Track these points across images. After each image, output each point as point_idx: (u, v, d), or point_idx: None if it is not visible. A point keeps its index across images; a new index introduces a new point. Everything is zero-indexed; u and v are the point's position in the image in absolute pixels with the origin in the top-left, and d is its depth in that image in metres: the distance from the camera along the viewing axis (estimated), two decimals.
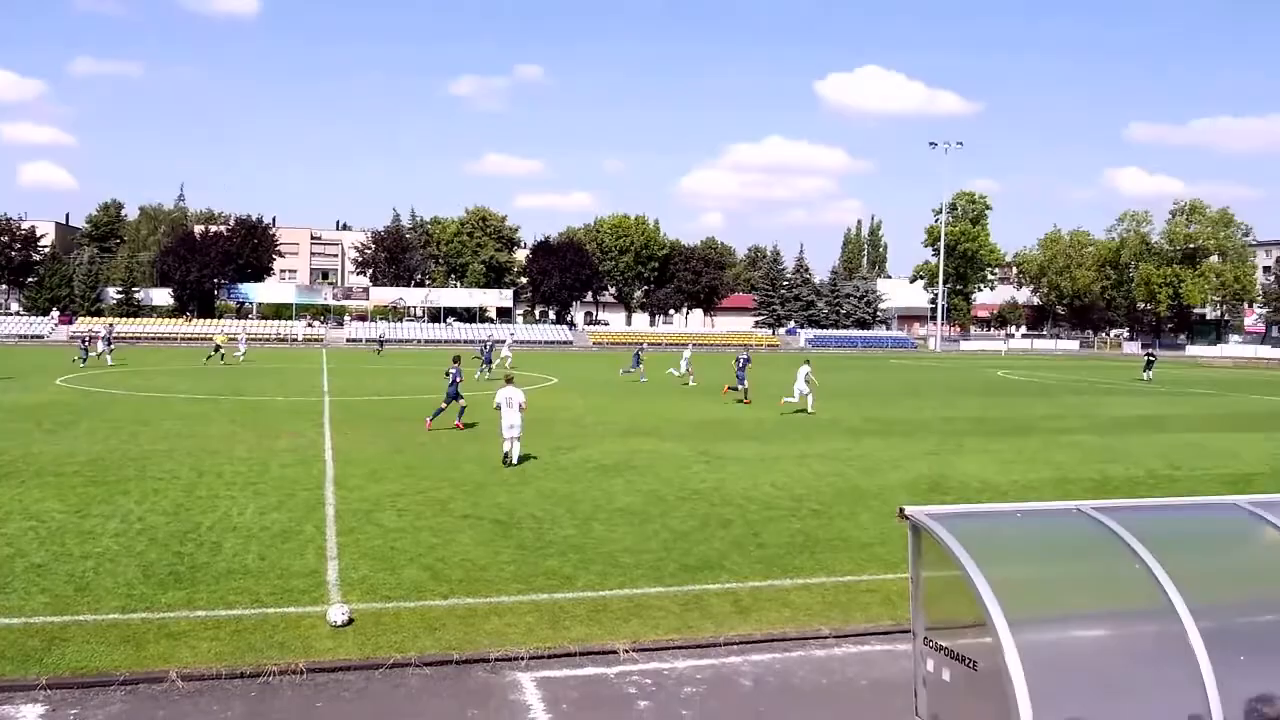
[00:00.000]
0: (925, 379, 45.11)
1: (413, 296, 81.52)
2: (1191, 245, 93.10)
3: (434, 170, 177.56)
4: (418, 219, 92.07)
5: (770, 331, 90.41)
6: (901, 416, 26.64)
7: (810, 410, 26.10)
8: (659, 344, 71.04)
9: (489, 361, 37.40)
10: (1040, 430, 24.19)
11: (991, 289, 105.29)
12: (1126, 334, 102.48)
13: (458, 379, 21.34)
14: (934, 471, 17.41)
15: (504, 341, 46.62)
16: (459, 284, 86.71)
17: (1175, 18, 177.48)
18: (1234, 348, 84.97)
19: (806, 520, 13.05)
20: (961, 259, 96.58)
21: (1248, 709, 4.66)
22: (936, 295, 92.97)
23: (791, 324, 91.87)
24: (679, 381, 36.41)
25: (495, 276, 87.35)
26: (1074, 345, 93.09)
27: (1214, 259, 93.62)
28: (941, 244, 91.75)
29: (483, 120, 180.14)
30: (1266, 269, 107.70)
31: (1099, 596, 5.18)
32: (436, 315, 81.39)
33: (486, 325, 79.28)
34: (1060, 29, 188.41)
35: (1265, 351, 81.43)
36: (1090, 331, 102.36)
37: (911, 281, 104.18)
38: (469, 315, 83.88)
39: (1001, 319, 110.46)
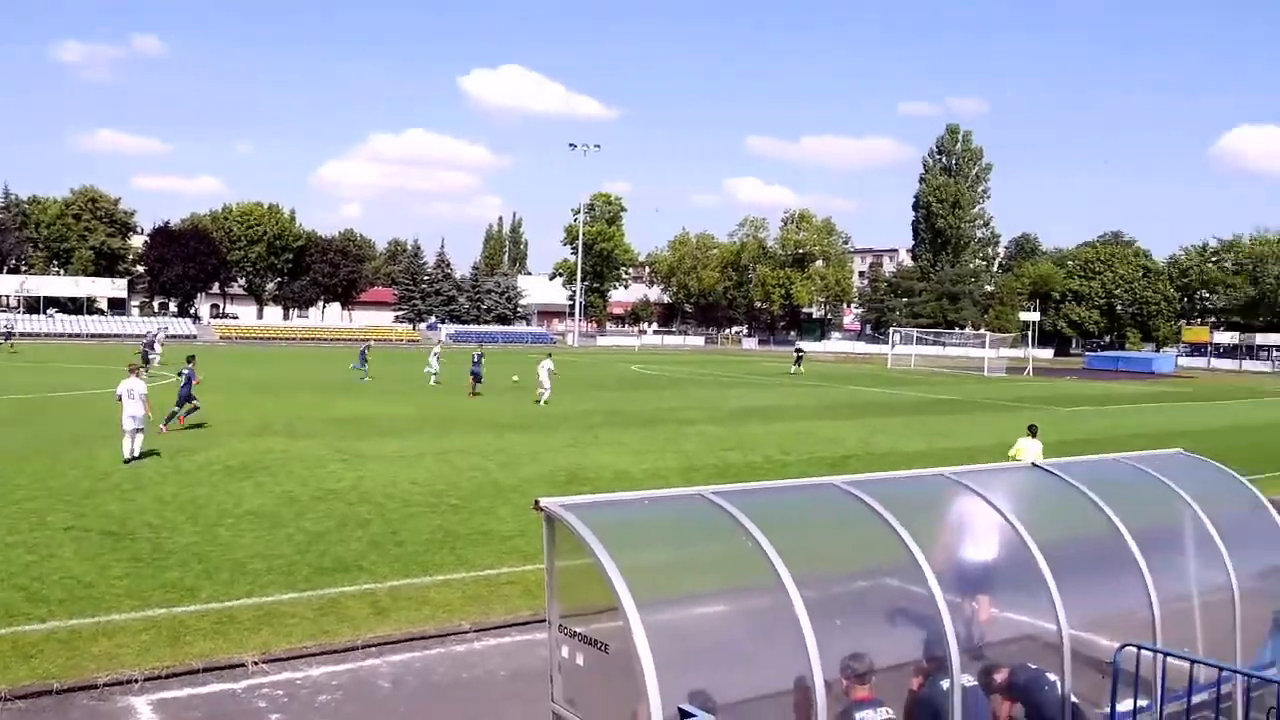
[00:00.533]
0: (564, 374, 46.94)
1: (6, 284, 74.66)
2: (801, 251, 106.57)
3: (33, 145, 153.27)
4: (12, 197, 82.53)
5: (411, 326, 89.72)
6: (541, 410, 27.34)
7: (544, 403, 27.71)
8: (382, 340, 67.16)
9: (148, 360, 35.81)
10: (670, 421, 26.10)
11: (626, 287, 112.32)
12: (745, 331, 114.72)
13: (193, 379, 20.86)
14: (572, 463, 17.99)
15: (156, 335, 45.06)
16: (62, 271, 79.22)
17: (789, 45, 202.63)
18: (835, 343, 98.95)
19: (447, 516, 13.03)
20: (599, 258, 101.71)
21: (842, 666, 5.29)
22: (575, 292, 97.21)
23: (433, 319, 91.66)
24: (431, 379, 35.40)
25: (107, 264, 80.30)
26: (700, 341, 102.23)
27: (819, 264, 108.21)
28: (580, 243, 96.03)
29: (92, 91, 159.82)
30: (861, 273, 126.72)
31: (719, 575, 5.64)
32: (35, 305, 74.19)
33: (96, 317, 73.91)
34: (693, 44, 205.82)
35: (861, 347, 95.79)
36: (714, 328, 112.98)
37: (551, 278, 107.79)
38: (75, 306, 76.75)
39: (635, 316, 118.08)
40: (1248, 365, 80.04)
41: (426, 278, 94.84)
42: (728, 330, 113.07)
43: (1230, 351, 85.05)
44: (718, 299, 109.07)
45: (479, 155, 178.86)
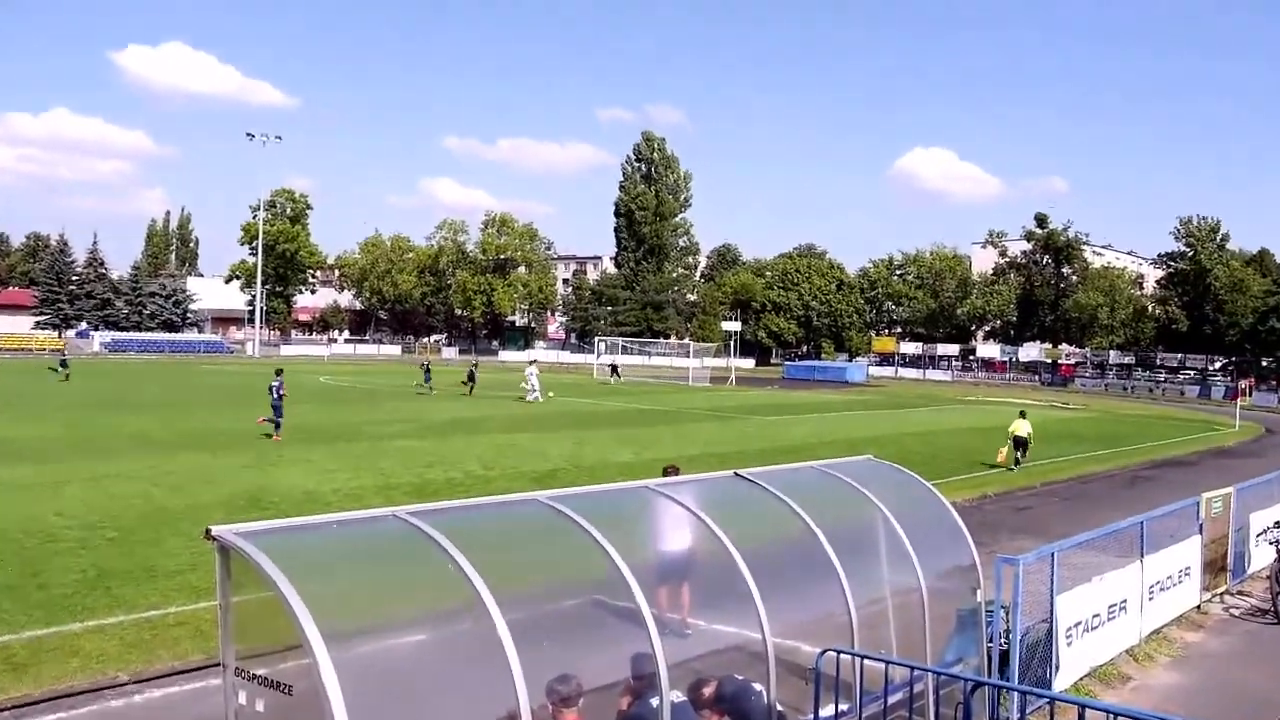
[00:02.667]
0: (243, 385, 44.79)
1: None
2: (502, 256, 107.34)
3: None
4: None
5: (56, 333, 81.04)
6: (218, 427, 26.64)
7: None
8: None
9: None
10: (365, 436, 25.50)
11: (313, 292, 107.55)
12: (445, 339, 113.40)
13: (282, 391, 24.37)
14: (253, 485, 17.37)
15: None
16: None
17: (485, 44, 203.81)
18: (540, 352, 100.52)
19: (102, 551, 12.18)
20: (281, 259, 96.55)
21: (548, 690, 5.34)
22: (255, 296, 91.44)
23: (84, 325, 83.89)
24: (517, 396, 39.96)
25: None
26: (396, 350, 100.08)
27: (521, 270, 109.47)
28: (260, 242, 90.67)
29: None
30: (565, 281, 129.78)
31: (418, 602, 5.52)
32: None
33: None
34: (383, 34, 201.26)
35: (565, 356, 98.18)
36: (412, 336, 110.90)
37: (227, 281, 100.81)
38: None
39: (324, 323, 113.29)
40: (931, 374, 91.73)
41: (75, 278, 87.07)
42: (426, 339, 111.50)
43: (915, 361, 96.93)
44: (415, 305, 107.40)
45: (137, 142, 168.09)
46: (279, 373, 25.81)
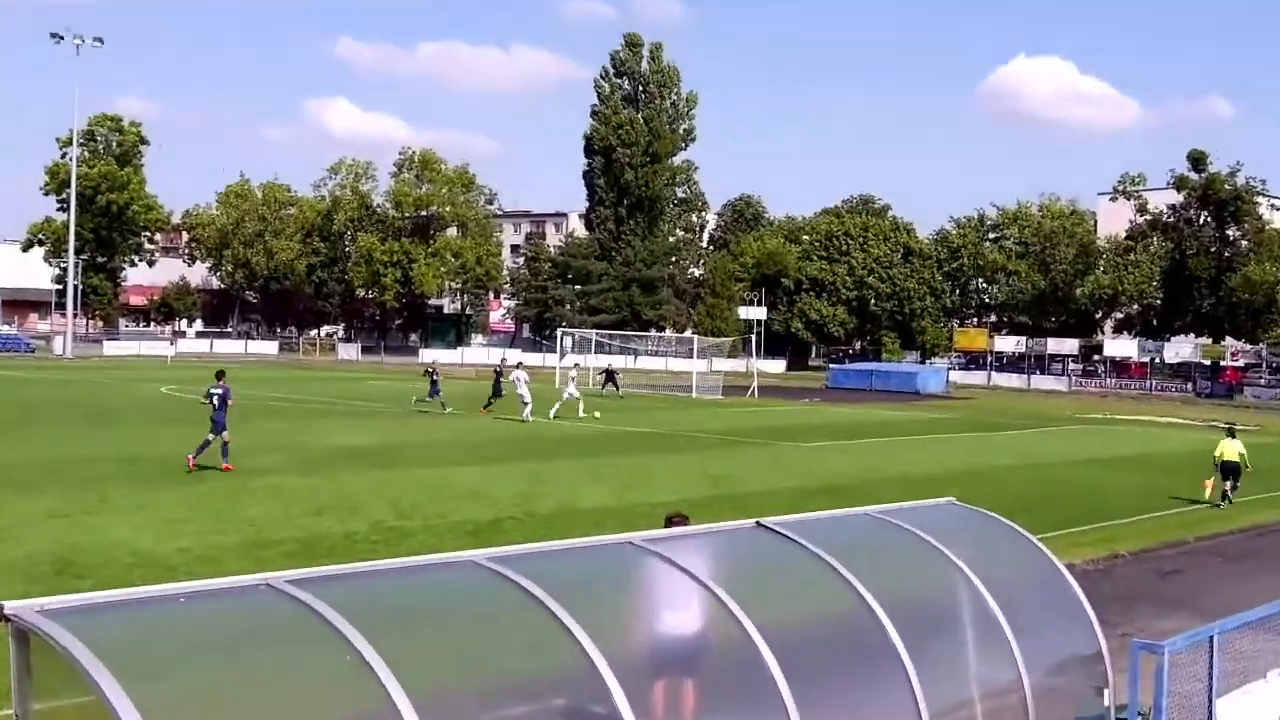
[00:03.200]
0: (48, 398, 44.67)
1: None
2: (424, 213, 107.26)
3: None
4: None
5: None
6: (9, 459, 26.42)
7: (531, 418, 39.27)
8: None
9: None
10: (231, 472, 25.45)
11: (151, 264, 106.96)
12: (342, 332, 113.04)
13: (228, 399, 26.51)
14: (62, 543, 17.43)
15: None
16: None
17: None
18: (478, 350, 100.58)
19: None
20: (104, 216, 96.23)
21: None
22: (66, 270, 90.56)
23: None
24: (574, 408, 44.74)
25: None
26: (272, 348, 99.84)
27: (452, 233, 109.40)
28: (73, 192, 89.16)
29: None
30: (515, 248, 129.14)
31: (301, 706, 5.52)
32: None
33: None
34: None
35: (514, 355, 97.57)
36: (295, 328, 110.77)
37: (25, 248, 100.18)
38: None
39: (168, 309, 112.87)
40: (1038, 381, 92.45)
41: None
42: (315, 331, 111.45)
43: (1015, 363, 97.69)
44: (299, 284, 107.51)
45: None
46: (220, 375, 27.57)
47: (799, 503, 22.97)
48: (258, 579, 5.80)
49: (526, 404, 42.71)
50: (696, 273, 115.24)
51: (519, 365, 48.98)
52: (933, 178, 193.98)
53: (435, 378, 47.22)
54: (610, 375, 61.46)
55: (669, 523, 10.68)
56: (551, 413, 43.73)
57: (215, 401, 26.38)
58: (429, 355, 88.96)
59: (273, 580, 5.79)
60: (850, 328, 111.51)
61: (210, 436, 26.20)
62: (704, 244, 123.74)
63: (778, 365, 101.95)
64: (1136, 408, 69.83)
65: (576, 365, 55.01)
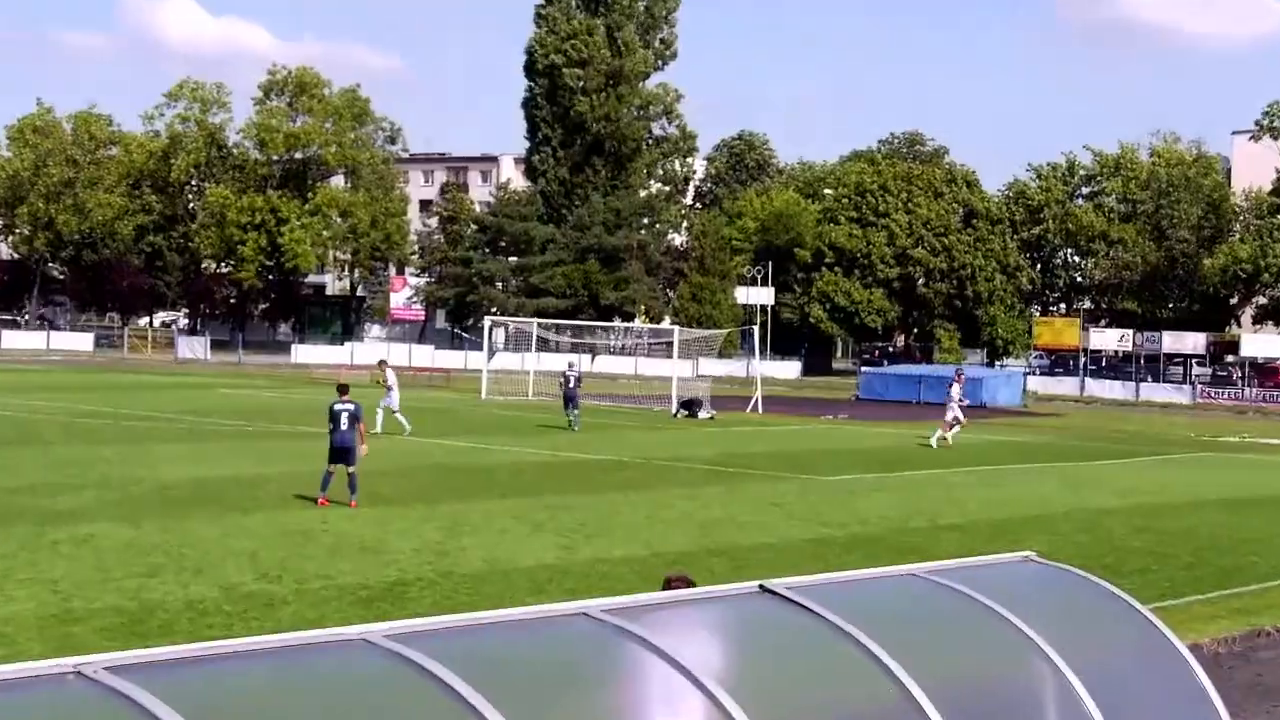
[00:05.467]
0: None
1: None
2: (300, 156, 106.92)
3: None
4: None
5: None
6: None
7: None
8: None
9: None
10: (21, 516, 25.37)
11: None
12: (184, 320, 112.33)
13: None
14: None
15: None
16: None
17: None
18: (373, 347, 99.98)
19: None
20: None
21: None
22: None
23: None
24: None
25: None
26: (86, 341, 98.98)
27: (336, 183, 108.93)
28: None
29: None
30: (427, 205, 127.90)
31: None
32: None
33: None
34: None
35: (426, 353, 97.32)
36: (118, 314, 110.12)
37: None
38: None
39: None
40: (1148, 391, 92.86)
41: None
42: (146, 320, 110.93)
43: (1119, 364, 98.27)
44: (123, 253, 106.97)
45: None
46: (344, 390, 30.80)
47: (820, 559, 23.11)
48: (65, 664, 5.76)
49: (395, 411, 44.65)
50: (678, 241, 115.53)
51: (381, 364, 48.86)
52: (1004, 111, 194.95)
53: (571, 382, 49.96)
54: (568, 384, 55.09)
55: (668, 586, 10.70)
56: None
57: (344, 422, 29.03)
58: (310, 353, 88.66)
59: (86, 666, 5.75)
60: (891, 317, 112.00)
61: (341, 469, 29.17)
62: (689, 201, 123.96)
63: (790, 368, 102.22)
64: None
65: (571, 365, 55.68)
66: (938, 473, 40.96)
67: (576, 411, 51.85)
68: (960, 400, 51.74)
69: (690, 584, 10.43)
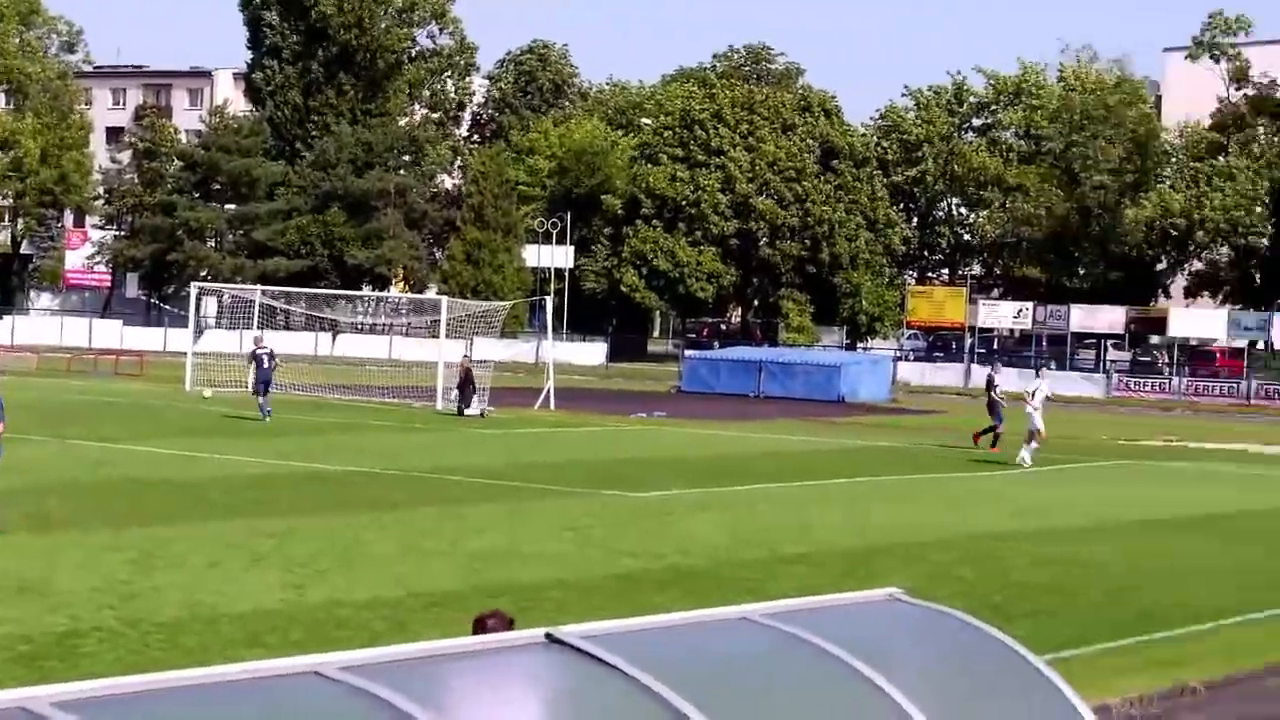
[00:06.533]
0: None
1: None
2: None
3: None
4: None
5: None
6: None
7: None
8: None
9: None
10: None
11: None
12: None
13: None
14: None
15: None
16: None
17: None
18: (42, 322, 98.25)
19: None
20: None
21: None
22: None
23: None
24: None
25: None
26: None
27: None
28: None
29: None
30: (117, 135, 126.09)
31: None
32: None
33: None
34: None
35: (113, 330, 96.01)
36: None
37: None
38: None
39: None
40: (1055, 381, 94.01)
41: None
42: None
43: (1014, 349, 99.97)
44: None
45: None
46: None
47: (627, 600, 23.12)
48: None
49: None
50: (449, 184, 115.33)
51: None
52: (873, 21, 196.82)
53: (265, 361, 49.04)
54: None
55: (481, 629, 10.66)
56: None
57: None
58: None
59: None
60: (726, 285, 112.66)
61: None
62: (464, 133, 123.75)
63: (594, 351, 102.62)
64: (1226, 429, 71.64)
65: (260, 341, 55.23)
66: (781, 488, 41.22)
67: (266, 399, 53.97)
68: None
69: (507, 623, 10.40)
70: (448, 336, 69.27)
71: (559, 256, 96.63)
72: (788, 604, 9.70)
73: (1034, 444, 49.71)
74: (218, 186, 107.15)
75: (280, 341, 74.41)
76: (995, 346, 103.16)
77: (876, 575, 24.17)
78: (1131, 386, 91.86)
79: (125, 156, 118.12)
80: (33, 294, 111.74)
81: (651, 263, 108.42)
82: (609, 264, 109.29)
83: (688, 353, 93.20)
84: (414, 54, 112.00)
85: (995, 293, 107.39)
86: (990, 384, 56.38)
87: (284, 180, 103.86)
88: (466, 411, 59.11)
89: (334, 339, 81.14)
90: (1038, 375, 57.28)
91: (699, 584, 25.44)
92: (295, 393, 65.31)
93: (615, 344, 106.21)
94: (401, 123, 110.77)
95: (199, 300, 70.87)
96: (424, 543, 29.59)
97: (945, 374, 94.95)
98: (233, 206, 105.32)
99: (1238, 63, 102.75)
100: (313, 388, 67.38)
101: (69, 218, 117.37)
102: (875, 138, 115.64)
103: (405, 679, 7.56)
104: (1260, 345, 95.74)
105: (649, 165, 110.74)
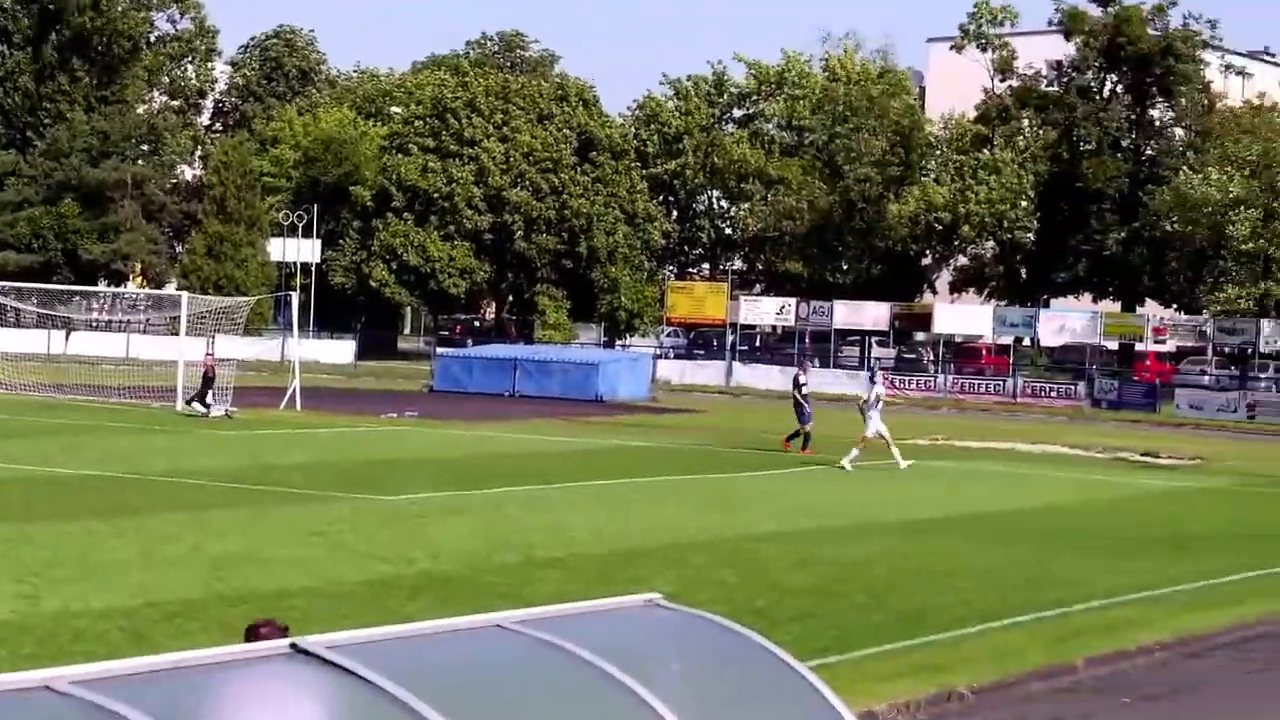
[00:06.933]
0: None
1: None
2: None
3: None
4: None
5: None
6: None
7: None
8: None
9: None
10: None
11: None
12: None
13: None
14: None
15: None
16: None
17: None
18: None
19: None
20: None
21: None
22: None
23: None
24: None
25: None
26: None
27: None
28: None
29: None
30: None
31: None
32: None
33: None
34: None
35: None
36: None
37: None
38: None
39: None
40: (818, 378, 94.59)
41: None
42: None
43: (776, 347, 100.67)
44: None
45: None
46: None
47: (378, 606, 23.17)
48: None
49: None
50: (190, 174, 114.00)
51: None
52: (629, 6, 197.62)
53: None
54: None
55: (254, 637, 10.55)
56: None
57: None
58: None
59: None
60: (480, 280, 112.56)
61: None
62: (205, 121, 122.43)
63: (343, 349, 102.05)
64: (992, 427, 72.80)
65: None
66: (537, 490, 41.30)
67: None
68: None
69: (284, 632, 10.31)
70: (188, 334, 68.62)
71: (305, 250, 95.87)
72: (543, 610, 9.68)
73: (856, 451, 50.77)
74: None
75: (9, 340, 73.20)
76: (758, 343, 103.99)
77: (635, 580, 24.26)
78: (897, 384, 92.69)
79: None
80: None
81: (402, 257, 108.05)
82: (358, 258, 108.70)
83: (440, 351, 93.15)
84: (153, 39, 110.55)
85: (757, 288, 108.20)
86: (797, 384, 56.85)
87: (14, 170, 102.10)
88: (209, 413, 58.52)
89: (68, 337, 79.86)
90: (873, 381, 59.05)
91: (452, 590, 25.43)
92: (26, 393, 64.31)
93: (364, 341, 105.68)
94: (139, 110, 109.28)
95: None
96: (164, 549, 29.27)
97: (706, 372, 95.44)
98: None
99: (1003, 53, 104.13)
100: (44, 387, 66.31)
101: None
102: (634, 129, 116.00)
103: (142, 693, 7.44)
104: (1026, 342, 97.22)
105: (399, 156, 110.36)
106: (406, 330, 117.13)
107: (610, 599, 10.24)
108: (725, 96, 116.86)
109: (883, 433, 52.11)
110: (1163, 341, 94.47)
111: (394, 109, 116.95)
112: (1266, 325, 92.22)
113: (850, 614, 25.68)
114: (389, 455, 48.62)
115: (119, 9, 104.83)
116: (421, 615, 15.30)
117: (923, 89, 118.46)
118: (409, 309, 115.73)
